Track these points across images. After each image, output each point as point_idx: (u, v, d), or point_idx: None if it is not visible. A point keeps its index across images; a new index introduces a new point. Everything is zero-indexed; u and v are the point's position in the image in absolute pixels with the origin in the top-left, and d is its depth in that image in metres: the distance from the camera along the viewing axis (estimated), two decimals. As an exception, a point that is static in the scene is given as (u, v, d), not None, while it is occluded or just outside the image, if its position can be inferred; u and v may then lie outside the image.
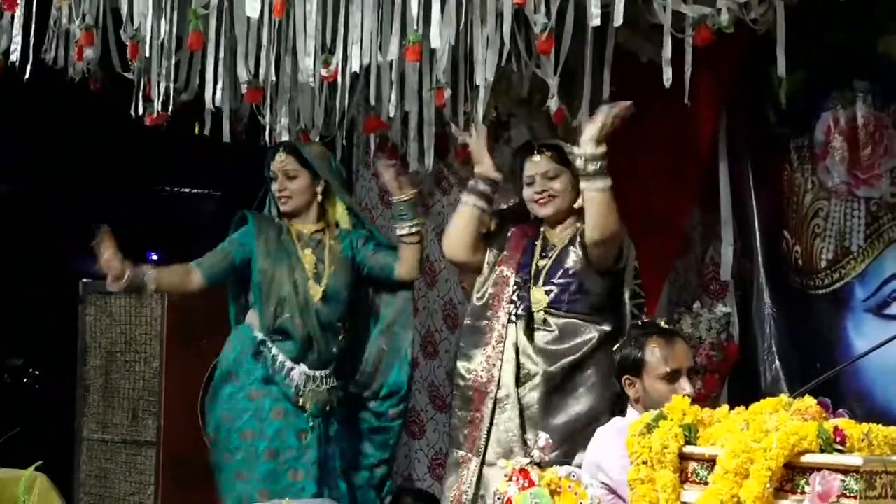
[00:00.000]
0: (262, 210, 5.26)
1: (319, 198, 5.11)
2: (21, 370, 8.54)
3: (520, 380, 4.52)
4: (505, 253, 4.73)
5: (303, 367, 4.94)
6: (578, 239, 4.59)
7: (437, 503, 5.04)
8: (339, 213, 5.21)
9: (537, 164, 4.65)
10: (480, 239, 4.77)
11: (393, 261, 5.07)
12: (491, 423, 4.52)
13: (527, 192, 4.68)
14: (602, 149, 4.39)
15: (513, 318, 4.60)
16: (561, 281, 4.57)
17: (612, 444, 3.76)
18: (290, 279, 4.98)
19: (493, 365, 4.55)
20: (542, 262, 4.64)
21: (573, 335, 4.51)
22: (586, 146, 4.42)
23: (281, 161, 5.07)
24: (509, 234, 4.79)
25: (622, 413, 4.09)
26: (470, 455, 4.57)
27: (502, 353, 4.55)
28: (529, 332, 4.56)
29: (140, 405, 6.38)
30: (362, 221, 5.27)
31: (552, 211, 4.65)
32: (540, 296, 4.59)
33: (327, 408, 4.97)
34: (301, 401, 4.91)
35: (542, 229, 4.71)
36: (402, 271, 5.08)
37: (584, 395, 4.48)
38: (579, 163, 4.44)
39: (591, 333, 4.50)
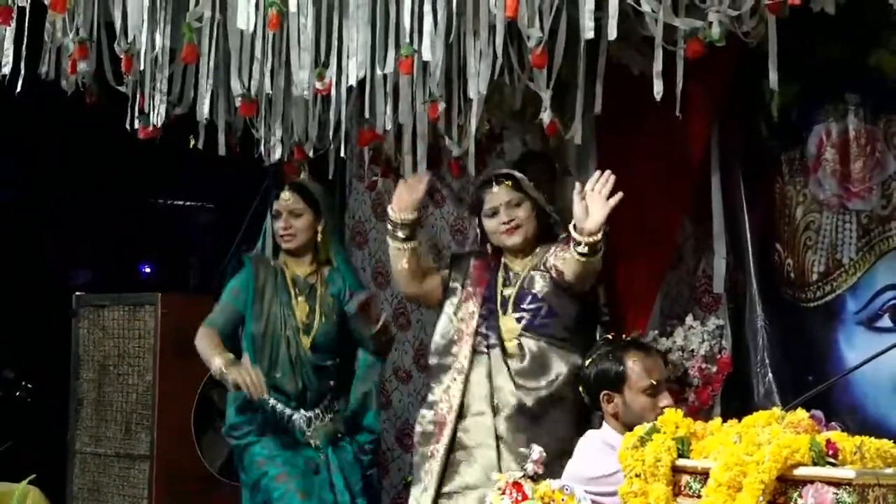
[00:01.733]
0: (256, 239, 5.31)
1: (320, 237, 5.13)
2: (14, 383, 8.54)
3: (495, 409, 4.51)
4: (468, 289, 4.73)
5: (302, 412, 5.00)
6: (543, 265, 4.60)
7: None
8: (330, 254, 5.22)
9: (498, 195, 4.67)
10: (425, 267, 4.81)
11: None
12: (449, 453, 4.52)
13: (491, 224, 4.68)
14: (601, 233, 4.35)
15: (483, 349, 4.61)
16: (531, 306, 4.59)
17: (598, 457, 3.80)
18: (283, 335, 5.01)
19: (454, 396, 4.56)
20: (507, 291, 4.65)
21: (545, 367, 4.51)
22: (590, 235, 4.34)
23: (286, 199, 5.10)
24: (470, 268, 4.79)
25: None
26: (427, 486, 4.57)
27: (464, 385, 4.55)
28: (501, 362, 4.55)
29: (133, 418, 6.38)
30: (347, 263, 5.31)
31: (520, 239, 4.66)
32: (511, 324, 4.60)
33: (336, 436, 5.03)
34: (310, 441, 4.97)
35: (503, 260, 4.72)
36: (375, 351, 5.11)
37: (559, 424, 4.48)
38: (580, 247, 4.35)
39: (562, 367, 4.50)
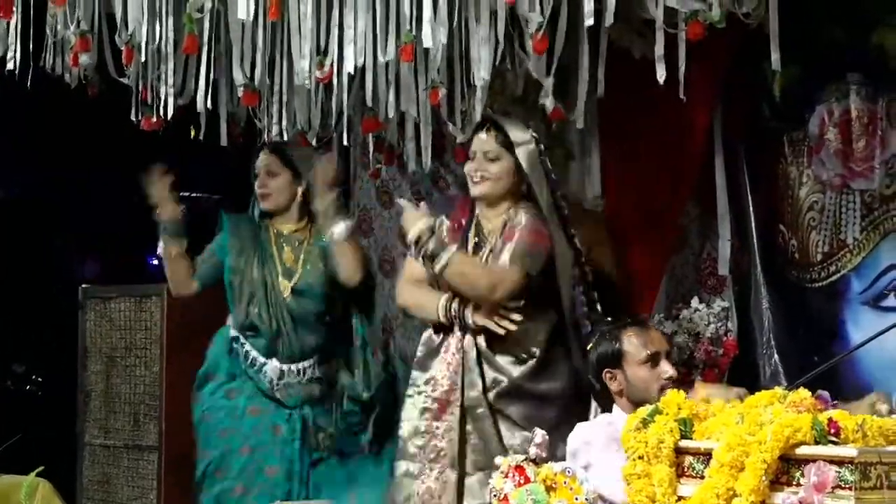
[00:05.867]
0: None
1: (299, 198, 5.16)
2: (23, 377, 8.56)
3: (486, 388, 4.46)
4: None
5: (275, 362, 4.99)
6: (504, 234, 4.51)
7: None
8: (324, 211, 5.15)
9: (482, 142, 4.59)
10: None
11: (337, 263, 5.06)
12: (462, 433, 4.46)
13: (467, 166, 4.64)
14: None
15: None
16: None
17: (576, 441, 3.84)
18: (259, 276, 5.05)
19: (456, 372, 4.48)
20: (480, 253, 4.56)
21: (520, 340, 4.46)
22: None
23: (263, 159, 5.16)
24: (444, 230, 4.65)
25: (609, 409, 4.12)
26: (432, 466, 4.49)
27: (462, 360, 4.49)
28: (488, 338, 4.48)
29: (141, 410, 6.40)
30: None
31: (481, 192, 4.57)
32: None
33: (310, 397, 4.99)
34: (277, 394, 4.96)
35: (476, 213, 4.63)
36: (343, 275, 5.06)
37: (552, 380, 4.47)
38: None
39: (541, 334, 4.48)
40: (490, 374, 4.47)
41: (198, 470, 5.08)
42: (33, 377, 8.58)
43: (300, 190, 5.17)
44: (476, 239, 4.61)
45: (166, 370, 6.24)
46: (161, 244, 5.11)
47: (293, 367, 5.01)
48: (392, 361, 5.22)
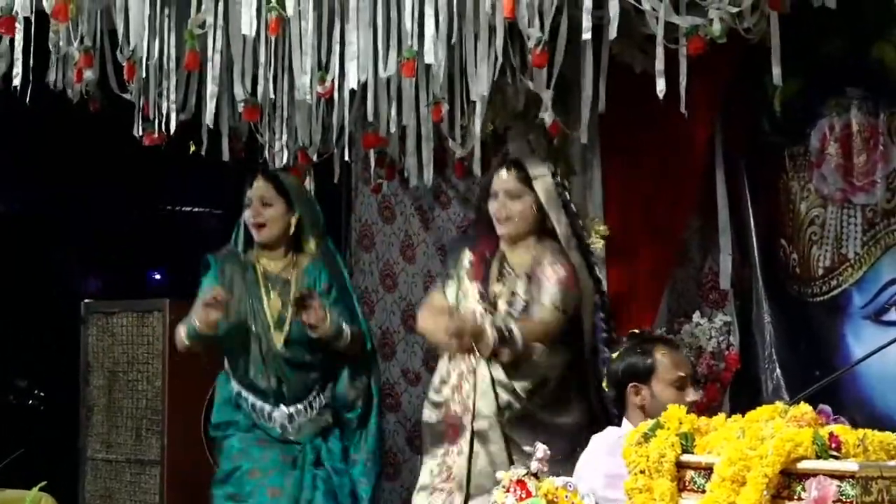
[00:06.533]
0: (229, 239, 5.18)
1: (292, 230, 5.01)
2: (26, 391, 8.57)
3: (501, 410, 4.49)
4: (465, 284, 4.68)
5: (282, 409, 4.94)
6: (534, 273, 4.56)
7: None
8: (312, 249, 5.10)
9: (503, 181, 4.65)
10: None
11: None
12: (471, 455, 4.48)
13: (490, 205, 4.68)
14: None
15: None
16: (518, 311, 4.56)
17: (600, 457, 3.81)
18: (253, 330, 4.93)
19: (468, 396, 4.52)
20: (497, 288, 4.62)
21: (536, 367, 4.49)
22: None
23: (257, 187, 4.99)
24: (467, 262, 4.73)
25: (617, 422, 4.11)
26: (446, 485, 4.53)
27: (475, 384, 4.52)
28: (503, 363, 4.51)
29: (143, 424, 6.40)
30: (332, 259, 5.17)
31: (507, 232, 4.64)
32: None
33: (324, 427, 4.98)
34: (290, 437, 4.93)
35: (502, 248, 4.68)
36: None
37: (566, 414, 4.48)
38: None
39: (556, 367, 4.51)
40: (504, 398, 4.49)
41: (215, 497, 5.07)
42: (35, 392, 8.59)
43: (293, 221, 5.02)
44: (500, 273, 4.63)
45: (168, 385, 6.23)
46: (182, 337, 4.93)
47: (300, 406, 4.96)
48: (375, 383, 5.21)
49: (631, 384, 4.05)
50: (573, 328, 4.58)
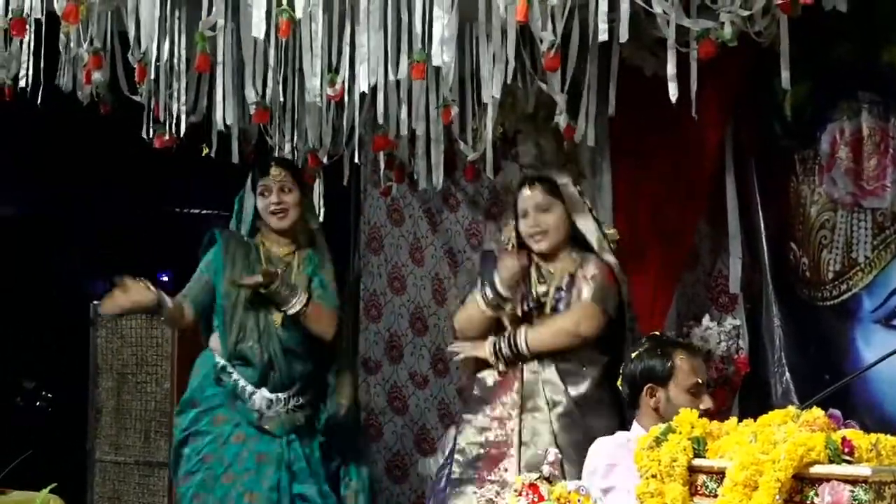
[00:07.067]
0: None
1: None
2: (34, 393, 8.58)
3: (550, 406, 4.52)
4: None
5: (264, 392, 4.92)
6: (575, 276, 4.59)
7: None
8: (314, 234, 5.13)
9: (531, 197, 4.66)
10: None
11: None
12: (520, 445, 4.51)
13: (521, 226, 4.68)
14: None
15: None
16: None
17: (601, 460, 3.84)
18: (251, 309, 4.93)
19: (513, 409, 4.56)
20: (541, 289, 4.64)
21: (577, 371, 4.54)
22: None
23: (277, 174, 4.98)
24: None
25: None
26: (489, 476, 4.54)
27: (521, 392, 4.56)
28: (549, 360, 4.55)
29: (152, 426, 6.41)
30: (319, 252, 5.14)
31: (546, 246, 4.64)
32: None
33: (296, 426, 4.96)
34: (265, 424, 4.91)
35: (535, 260, 4.69)
36: (317, 335, 4.99)
37: (603, 419, 4.49)
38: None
39: (595, 371, 4.54)
40: (550, 396, 4.52)
41: (178, 494, 5.03)
42: (44, 393, 8.60)
43: (302, 208, 5.06)
44: (540, 275, 4.65)
45: (177, 387, 6.23)
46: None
47: (281, 395, 4.94)
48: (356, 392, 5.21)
49: (647, 385, 4.05)
50: (603, 339, 4.59)
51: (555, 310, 4.60)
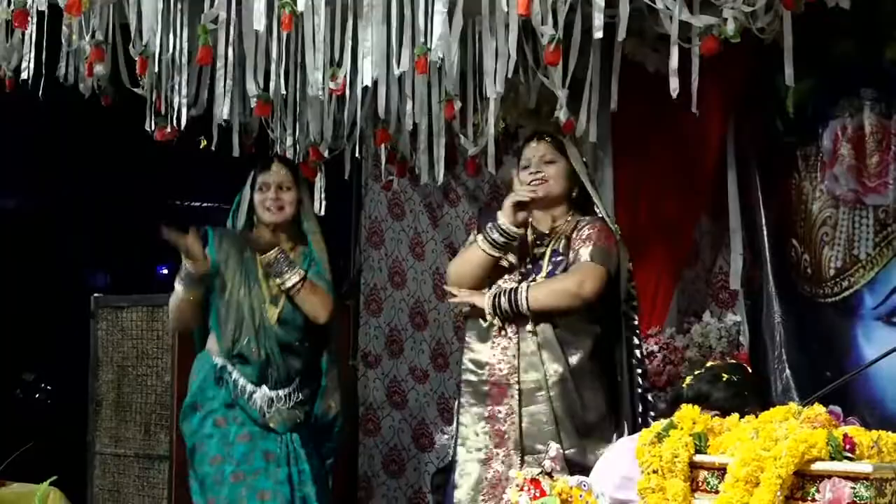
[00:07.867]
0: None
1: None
2: (34, 385, 8.59)
3: (546, 374, 4.43)
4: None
5: (264, 390, 4.91)
6: (574, 240, 4.50)
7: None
8: (311, 232, 5.09)
9: (535, 149, 4.58)
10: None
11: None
12: (520, 416, 4.44)
13: (522, 176, 4.58)
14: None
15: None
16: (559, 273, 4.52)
17: (620, 458, 3.80)
18: (247, 303, 4.94)
19: (514, 356, 4.45)
20: (538, 250, 4.56)
21: (572, 338, 4.47)
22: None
23: (277, 171, 4.99)
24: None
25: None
26: (496, 451, 4.47)
27: (518, 343, 4.47)
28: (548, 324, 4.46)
29: (152, 419, 6.41)
30: (311, 251, 5.10)
31: (544, 193, 4.52)
32: None
33: (296, 423, 4.96)
34: (269, 422, 4.92)
35: (531, 222, 4.57)
36: (310, 317, 4.98)
37: (587, 396, 4.46)
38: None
39: (587, 341, 4.47)
40: (549, 364, 4.43)
41: (192, 495, 5.04)
42: (44, 386, 8.60)
43: (299, 208, 5.05)
44: (535, 241, 4.59)
45: (177, 380, 6.22)
46: (180, 288, 5.01)
47: (281, 392, 4.94)
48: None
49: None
50: (594, 309, 4.51)
51: (551, 274, 4.54)
